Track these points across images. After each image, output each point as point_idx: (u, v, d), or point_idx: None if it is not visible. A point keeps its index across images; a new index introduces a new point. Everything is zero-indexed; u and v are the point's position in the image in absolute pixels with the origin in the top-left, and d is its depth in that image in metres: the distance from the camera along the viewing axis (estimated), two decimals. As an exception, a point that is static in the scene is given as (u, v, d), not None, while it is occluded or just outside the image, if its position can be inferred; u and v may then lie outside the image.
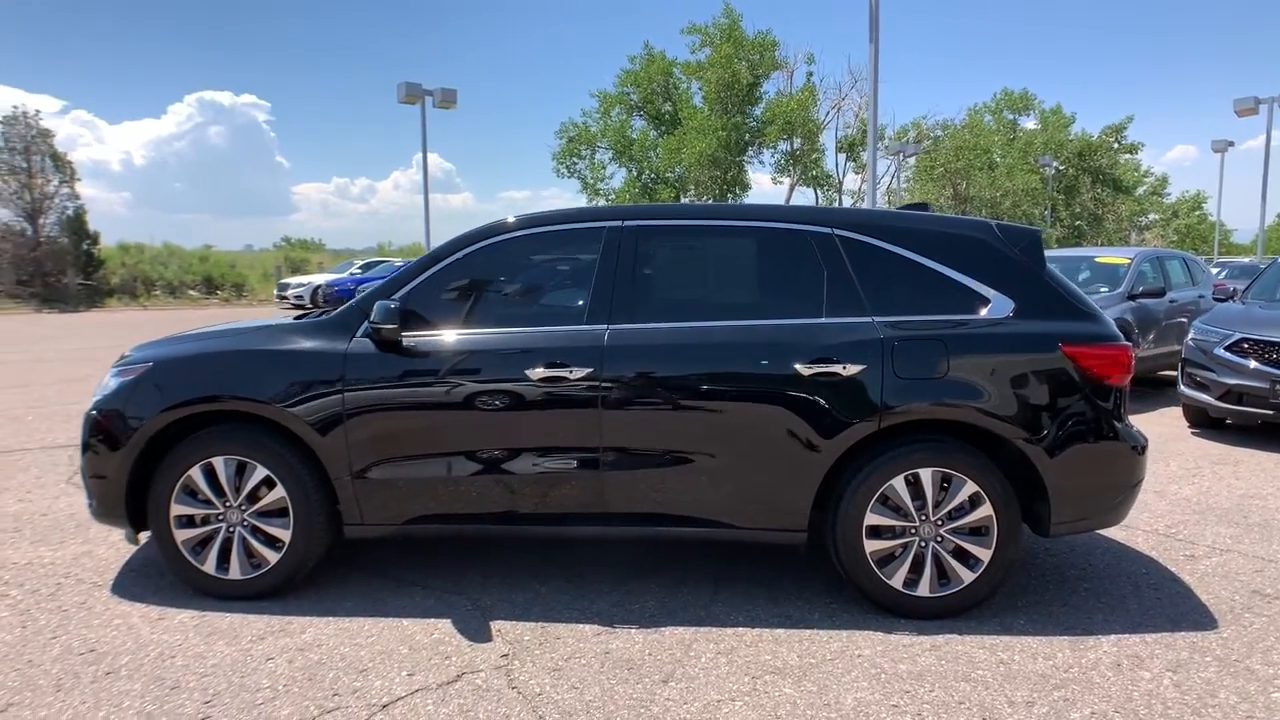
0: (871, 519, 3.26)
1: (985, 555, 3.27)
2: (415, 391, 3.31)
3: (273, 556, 3.35)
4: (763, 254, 3.50)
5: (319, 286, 22.99)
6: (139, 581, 3.54)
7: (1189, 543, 4.30)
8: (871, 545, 3.28)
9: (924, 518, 3.27)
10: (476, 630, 3.16)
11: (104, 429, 3.36)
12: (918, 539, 3.29)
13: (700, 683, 2.80)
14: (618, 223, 3.45)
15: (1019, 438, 3.24)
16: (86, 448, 3.39)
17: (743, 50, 34.29)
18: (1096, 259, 9.50)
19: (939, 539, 3.28)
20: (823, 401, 3.23)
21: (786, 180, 37.56)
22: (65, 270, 23.52)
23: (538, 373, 3.25)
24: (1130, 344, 3.42)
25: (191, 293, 27.16)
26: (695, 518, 3.34)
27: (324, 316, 3.54)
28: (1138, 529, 4.50)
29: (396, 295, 3.39)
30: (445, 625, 3.20)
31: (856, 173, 41.79)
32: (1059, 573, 3.86)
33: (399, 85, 25.37)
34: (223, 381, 3.33)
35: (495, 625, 3.21)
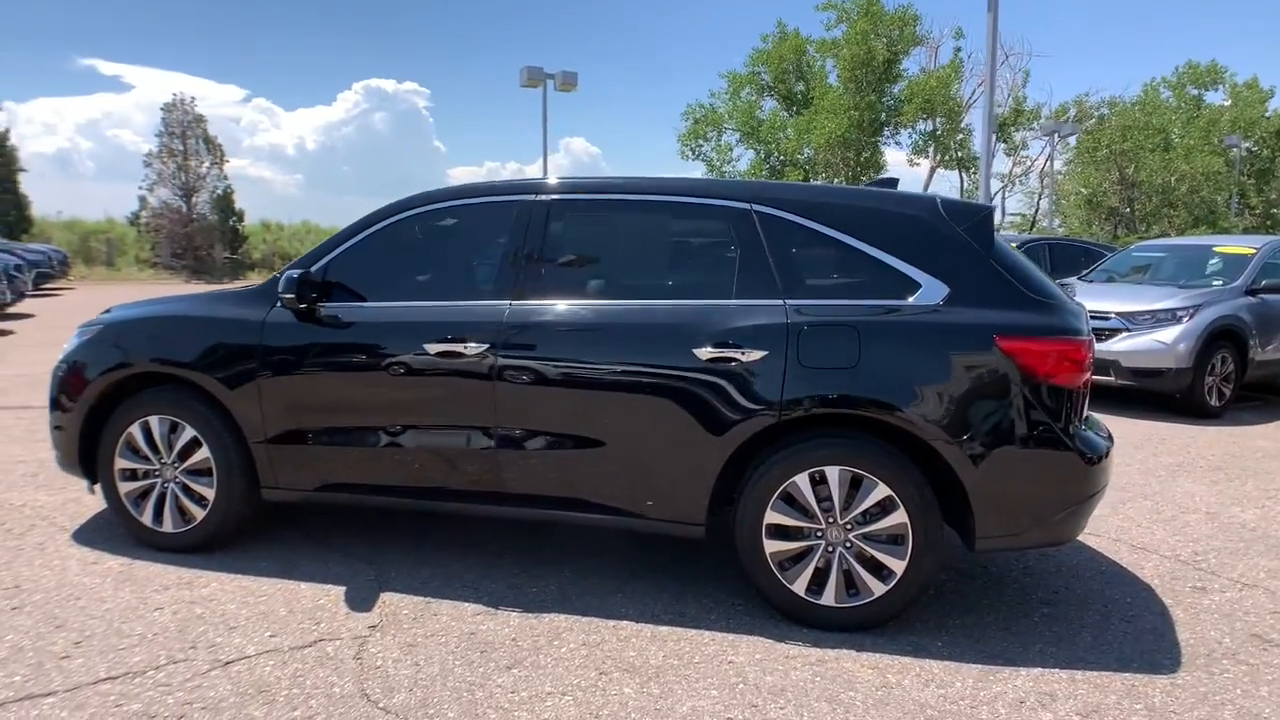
0: (773, 518, 3.05)
1: (898, 567, 2.98)
2: (324, 361, 3.39)
3: (199, 513, 3.55)
4: (676, 230, 3.34)
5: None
6: (102, 530, 3.84)
7: (1209, 573, 3.75)
8: (773, 546, 3.07)
9: (830, 520, 3.03)
10: (363, 599, 3.22)
11: (63, 385, 3.66)
12: (824, 543, 3.05)
13: (543, 672, 2.73)
14: (531, 196, 3.38)
15: (937, 439, 2.92)
16: (52, 401, 3.71)
17: (880, 26, 32.82)
18: (1216, 248, 8.43)
19: (847, 545, 3.03)
20: (720, 390, 3.04)
21: (924, 162, 35.75)
22: (214, 245, 26.17)
23: (435, 347, 3.24)
24: (1087, 339, 3.00)
25: None
26: (594, 503, 3.25)
27: (256, 286, 3.69)
28: (1156, 551, 3.98)
29: (316, 265, 3.48)
30: (337, 592, 3.28)
31: (1008, 154, 39.21)
32: (1023, 593, 3.48)
33: (521, 70, 26.08)
34: (153, 346, 3.54)
35: (384, 596, 3.26)
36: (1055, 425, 2.93)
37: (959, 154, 36.51)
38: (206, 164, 27.09)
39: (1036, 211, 39.34)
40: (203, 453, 3.51)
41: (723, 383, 3.04)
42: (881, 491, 2.96)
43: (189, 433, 3.51)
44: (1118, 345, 7.35)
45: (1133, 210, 36.56)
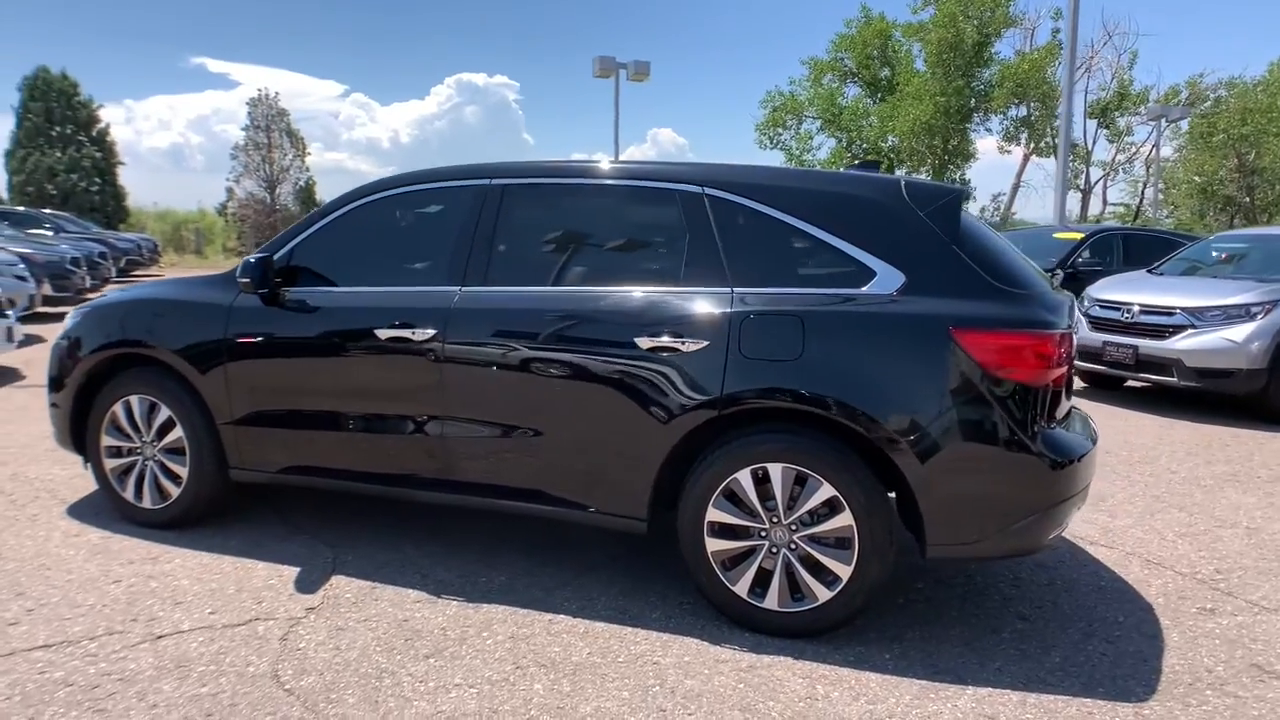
0: (715, 515, 2.93)
1: (844, 572, 2.83)
2: (284, 345, 3.45)
3: (175, 491, 3.68)
4: (627, 215, 3.24)
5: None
6: (95, 505, 4.02)
7: (1225, 594, 3.42)
8: (715, 545, 2.95)
9: (774, 520, 2.89)
10: (312, 581, 3.27)
11: (58, 364, 3.85)
12: (767, 543, 2.91)
13: (459, 663, 2.70)
14: (485, 181, 3.34)
15: (882, 437, 2.75)
16: (49, 380, 3.90)
17: (971, 8, 31.48)
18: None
19: (792, 546, 2.88)
20: (662, 380, 2.94)
21: (1016, 149, 34.19)
22: None
23: (386, 333, 3.25)
24: (1058, 333, 2.76)
25: None
26: (541, 494, 3.20)
27: (229, 270, 3.78)
28: (1171, 568, 3.66)
29: (281, 250, 3.54)
30: (290, 573, 3.34)
31: (1110, 140, 37.11)
32: (1003, 605, 3.25)
33: (594, 60, 26.18)
34: (132, 328, 3.68)
35: (335, 579, 3.30)
36: (1014, 425, 2.71)
37: (1055, 140, 34.74)
38: (290, 156, 28.37)
39: (1141, 201, 37.05)
40: (177, 432, 3.63)
41: (663, 374, 2.94)
42: (826, 491, 2.81)
43: (165, 413, 3.63)
44: (1181, 343, 6.82)
45: (1252, 200, 34.06)
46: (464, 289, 3.24)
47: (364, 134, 70.85)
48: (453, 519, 3.92)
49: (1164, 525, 4.25)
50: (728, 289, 2.95)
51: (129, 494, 3.75)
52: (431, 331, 3.20)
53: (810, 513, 2.85)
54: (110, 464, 3.77)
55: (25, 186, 25.88)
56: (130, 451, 3.74)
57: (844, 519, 2.80)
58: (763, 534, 2.91)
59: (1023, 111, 33.49)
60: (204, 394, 3.54)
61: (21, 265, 9.21)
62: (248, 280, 3.35)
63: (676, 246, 3.08)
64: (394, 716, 2.40)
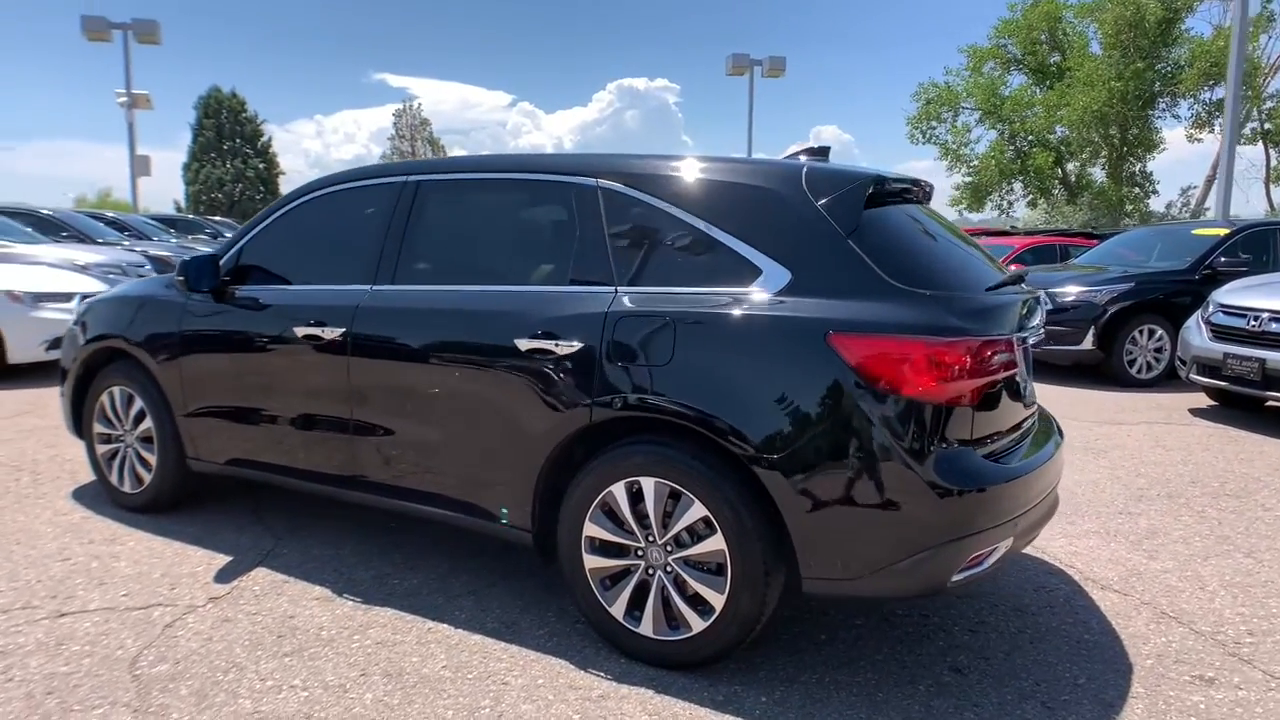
0: (592, 530, 2.76)
1: (717, 601, 2.57)
2: (223, 342, 3.59)
3: (147, 478, 3.92)
4: (525, 211, 3.11)
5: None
6: (98, 488, 4.34)
7: (1241, 661, 2.84)
8: (592, 562, 2.77)
9: (650, 539, 2.68)
10: (234, 571, 3.37)
11: (64, 354, 4.21)
12: (644, 564, 2.70)
13: (310, 665, 2.68)
14: (403, 178, 3.32)
15: (749, 453, 2.47)
16: (61, 370, 4.28)
17: (1155, -20, 28.50)
18: None
19: (667, 569, 2.66)
20: (538, 384, 2.80)
21: (1209, 135, 30.58)
22: None
23: (302, 330, 3.31)
24: (965, 340, 2.37)
25: None
26: (439, 497, 3.13)
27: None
28: (1186, 623, 3.08)
29: (231, 250, 3.69)
30: (221, 561, 3.46)
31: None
32: (943, 653, 2.85)
33: (727, 58, 25.95)
34: (112, 323, 3.96)
35: (257, 571, 3.38)
36: (898, 445, 2.35)
37: (1265, 125, 30.76)
38: None
39: (1374, 192, 32.11)
40: (148, 423, 3.87)
41: (540, 378, 2.79)
42: (699, 511, 2.56)
43: (138, 404, 3.88)
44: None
45: None
46: (374, 288, 3.24)
47: (529, 141, 74.03)
48: (403, 518, 3.93)
49: (1212, 573, 3.60)
50: (611, 288, 2.77)
51: (114, 478, 4.04)
52: (340, 331, 3.21)
53: (683, 533, 2.61)
54: (100, 449, 4.08)
55: (200, 196, 29.18)
56: (115, 439, 4.02)
57: (716, 542, 2.54)
58: (639, 553, 2.70)
59: (1220, 94, 29.89)
60: (163, 387, 3.75)
61: (148, 266, 10.28)
62: (182, 279, 3.52)
63: (569, 242, 2.93)
64: (213, 712, 2.42)
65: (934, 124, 34.85)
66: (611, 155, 2.97)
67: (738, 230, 2.64)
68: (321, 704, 2.47)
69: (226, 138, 29.91)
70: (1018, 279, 2.97)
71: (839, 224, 2.54)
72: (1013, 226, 26.25)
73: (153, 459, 3.88)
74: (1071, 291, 8.25)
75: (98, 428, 4.07)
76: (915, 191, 3.03)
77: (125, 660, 2.68)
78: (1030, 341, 2.99)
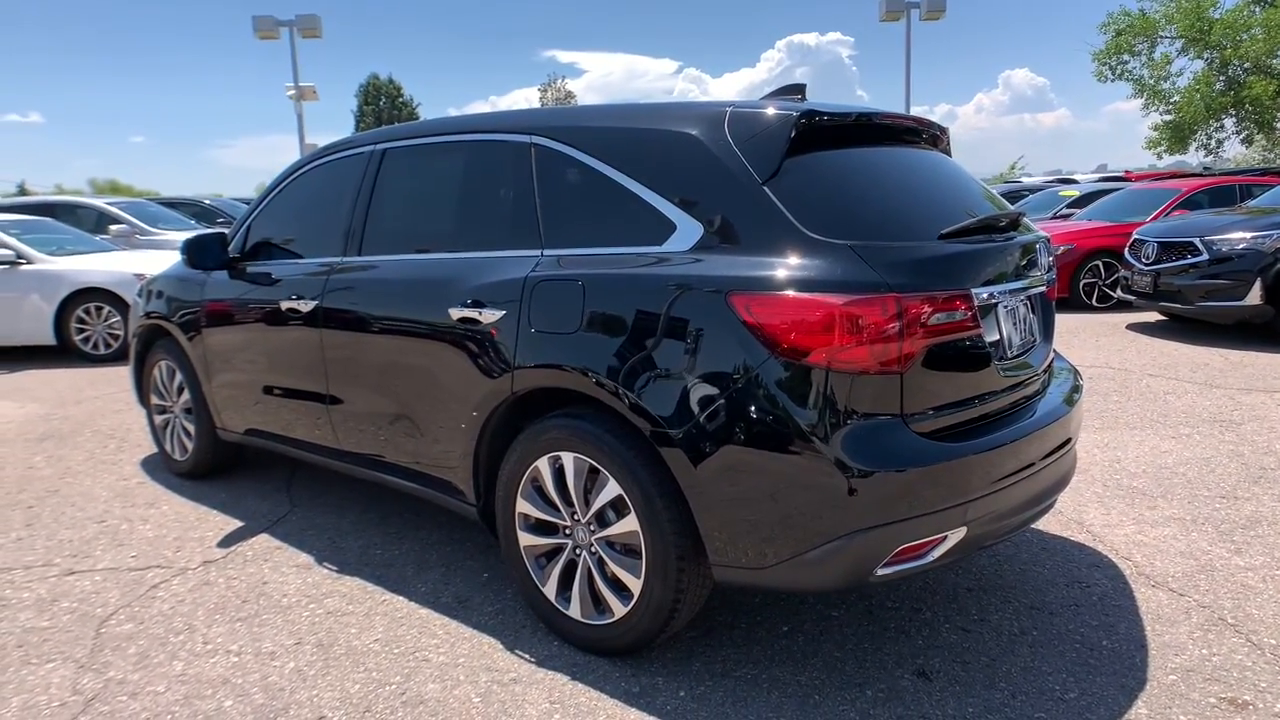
0: (523, 507, 2.66)
1: (634, 586, 2.40)
2: (232, 316, 3.76)
3: (189, 445, 4.23)
4: (469, 174, 2.98)
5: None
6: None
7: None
8: (526, 539, 2.68)
9: (575, 518, 2.54)
10: (238, 537, 3.56)
11: (130, 331, 4.60)
12: (571, 543, 2.58)
13: (254, 630, 2.76)
14: (370, 147, 3.31)
15: (650, 427, 2.26)
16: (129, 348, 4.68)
17: None
18: None
19: (591, 549, 2.52)
20: (469, 355, 2.72)
21: None
22: None
23: (286, 304, 3.40)
24: (881, 296, 2.04)
25: None
26: (401, 467, 3.14)
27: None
28: (1250, 633, 2.57)
29: (242, 226, 3.85)
30: (231, 527, 3.66)
31: None
32: (913, 655, 2.52)
33: (880, 1, 24.38)
34: (154, 300, 4.26)
35: (259, 537, 3.55)
36: (803, 420, 2.06)
37: None
38: None
39: None
40: (187, 394, 4.15)
41: (468, 347, 2.71)
42: (613, 490, 2.39)
43: (179, 376, 4.18)
44: None
45: None
46: (342, 260, 3.27)
47: None
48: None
49: (1314, 574, 2.98)
50: (538, 252, 2.63)
51: (168, 446, 4.39)
52: (313, 304, 3.28)
53: (604, 511, 2.45)
54: (157, 419, 4.44)
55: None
56: (166, 409, 4.36)
57: (631, 523, 2.37)
58: (566, 532, 2.58)
59: None
60: (192, 361, 4.00)
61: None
62: (183, 256, 3.71)
63: (503, 205, 2.80)
64: (146, 671, 2.55)
65: (1126, 57, 31.28)
66: (550, 110, 2.83)
67: (655, 183, 2.42)
68: (244, 669, 2.54)
69: (385, 122, 31.79)
70: (1003, 223, 2.53)
71: (756, 170, 2.25)
72: (1205, 168, 23.13)
73: (193, 428, 4.17)
74: (1234, 238, 7.12)
75: (154, 399, 4.43)
76: (902, 131, 2.67)
77: (98, 619, 2.88)
78: (1032, 293, 2.57)
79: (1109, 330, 8.11)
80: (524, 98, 77.87)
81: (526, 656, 2.58)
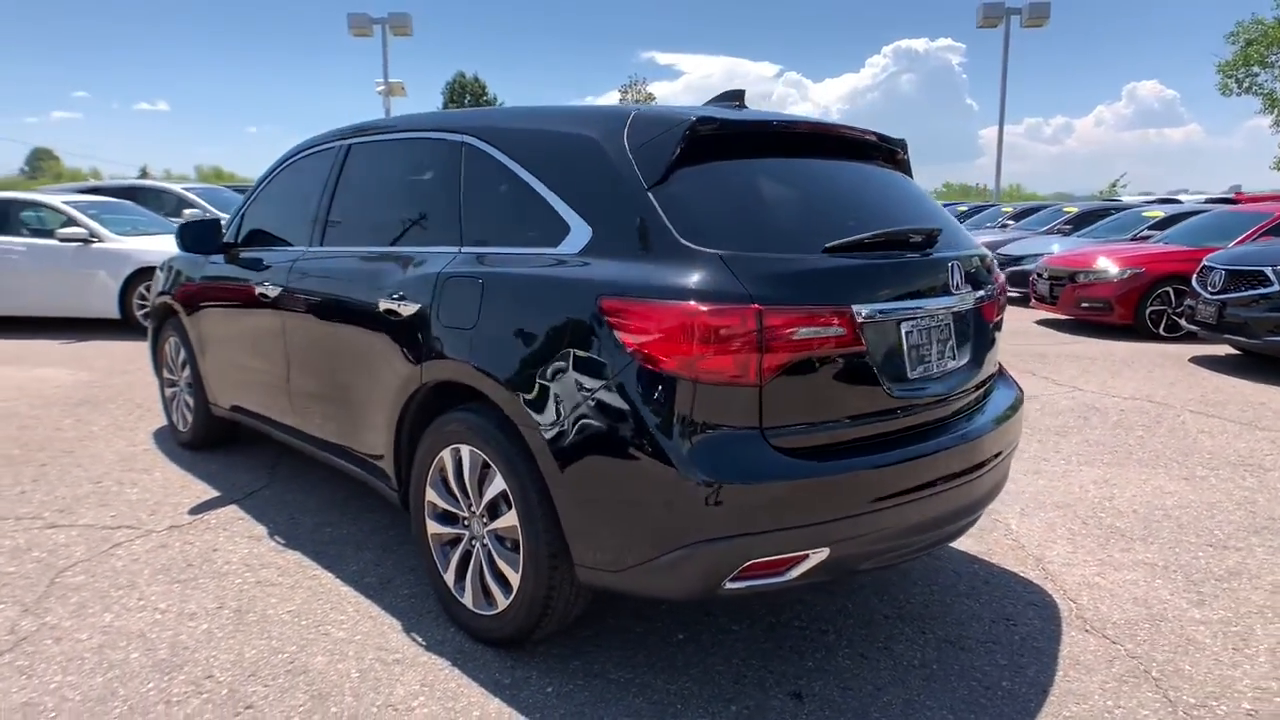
0: (431, 496, 2.76)
1: (514, 581, 2.48)
2: (216, 299, 4.02)
3: (189, 418, 4.52)
4: (413, 170, 3.10)
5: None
6: (187, 423, 5.07)
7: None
8: (433, 527, 2.78)
9: (471, 510, 2.63)
10: (210, 505, 3.79)
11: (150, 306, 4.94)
12: (468, 534, 2.67)
13: (187, 592, 2.95)
14: (339, 142, 3.48)
15: (525, 424, 2.33)
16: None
17: None
18: None
19: (484, 541, 2.60)
20: (390, 345, 2.84)
21: None
22: None
23: (258, 289, 3.61)
24: (739, 307, 2.04)
25: None
26: (346, 451, 3.29)
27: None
28: (1168, 685, 2.45)
29: (239, 213, 4.10)
30: (208, 496, 3.91)
31: None
32: (802, 675, 2.51)
33: (978, 8, 23.68)
34: (166, 281, 4.56)
35: (228, 508, 3.77)
36: (656, 426, 2.08)
37: None
38: None
39: None
40: (189, 370, 4.45)
41: (392, 338, 2.83)
42: (500, 485, 2.47)
43: (183, 353, 4.47)
44: None
45: None
46: (307, 249, 3.46)
47: (794, 112, 73.35)
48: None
49: (1274, 636, 2.80)
50: (456, 249, 2.73)
51: (174, 418, 4.70)
52: (278, 290, 3.47)
53: (493, 505, 2.53)
54: (166, 392, 4.76)
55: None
56: (172, 383, 4.67)
57: (512, 518, 2.44)
58: (465, 523, 2.67)
59: None
60: (190, 338, 4.29)
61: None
62: (178, 241, 3.97)
63: (439, 201, 2.91)
64: (79, 620, 2.76)
65: (1256, 70, 29.34)
66: (485, 110, 2.91)
67: (557, 185, 2.48)
68: (162, 626, 2.73)
69: (468, 120, 32.70)
70: (917, 238, 2.47)
71: (644, 175, 2.28)
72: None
73: (192, 402, 4.46)
74: (1307, 269, 6.64)
75: (165, 373, 4.75)
76: (833, 143, 2.66)
77: (58, 569, 3.14)
78: (960, 311, 2.52)
79: (1167, 362, 7.67)
80: (615, 100, 78.79)
81: (419, 640, 2.67)
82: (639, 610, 2.85)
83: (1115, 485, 4.23)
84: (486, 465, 2.52)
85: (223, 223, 4.12)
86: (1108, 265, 9.10)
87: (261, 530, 3.53)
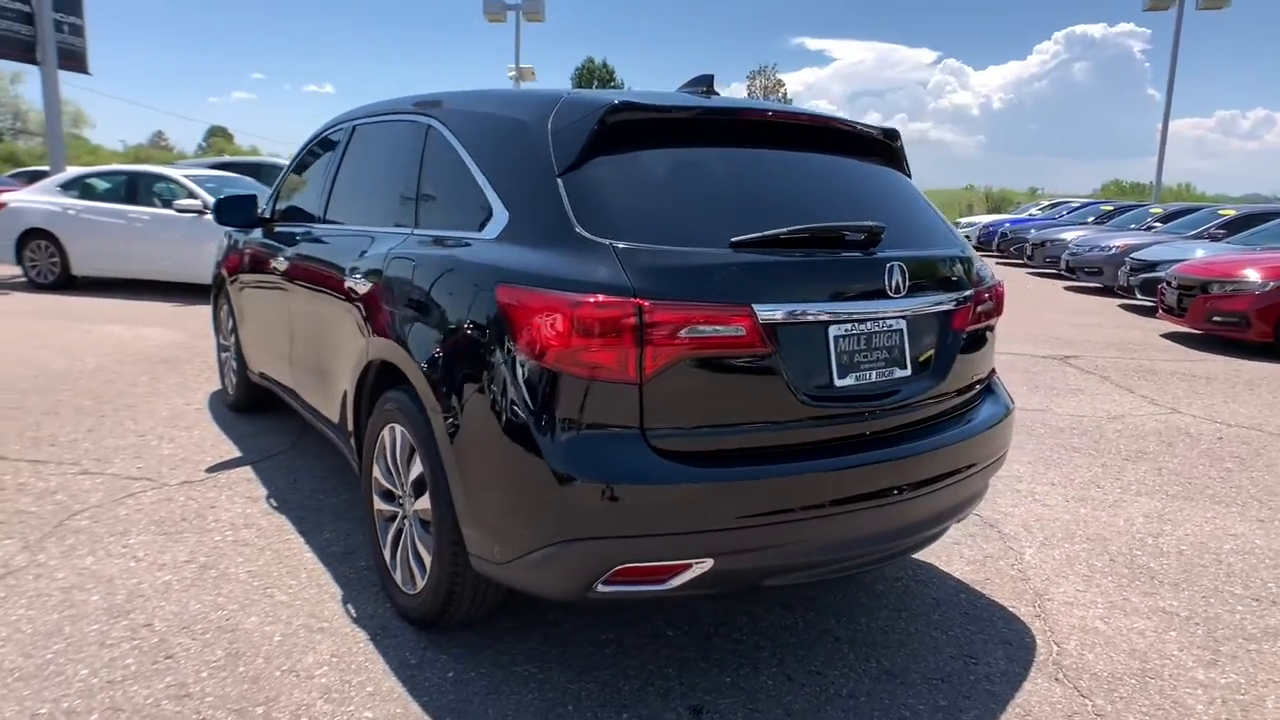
0: (376, 471, 2.83)
1: (428, 563, 2.51)
2: (252, 267, 4.25)
3: (234, 381, 4.83)
4: (393, 152, 3.14)
5: (989, 226, 22.30)
6: (246, 386, 5.41)
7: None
8: (377, 503, 2.85)
9: (403, 490, 2.68)
10: (227, 465, 4.04)
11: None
12: (401, 513, 2.72)
13: (165, 544, 3.16)
14: (350, 123, 3.60)
15: (431, 410, 2.34)
16: (221, 291, 5.38)
17: None
18: None
19: (411, 521, 2.65)
20: (350, 322, 2.94)
21: None
22: None
23: (272, 262, 3.81)
24: (619, 300, 1.96)
25: None
26: (328, 422, 3.42)
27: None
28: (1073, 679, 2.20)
29: (275, 188, 4.32)
30: (230, 456, 4.16)
31: None
32: (714, 689, 2.41)
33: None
34: (220, 254, 4.88)
35: (241, 469, 4.00)
36: (532, 418, 2.04)
37: None
38: None
39: None
40: (235, 337, 4.75)
41: (350, 317, 2.93)
42: (419, 466, 2.51)
43: (232, 320, 4.78)
44: None
45: None
46: (312, 226, 3.61)
47: (951, 102, 70.29)
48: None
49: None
50: (409, 230, 2.78)
51: (225, 381, 5.04)
52: (285, 265, 3.65)
53: (415, 485, 2.57)
54: (221, 356, 5.11)
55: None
56: (225, 348, 5.00)
57: (427, 500, 2.47)
58: (400, 501, 2.72)
59: None
60: (233, 307, 4.57)
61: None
62: (215, 215, 4.22)
63: (406, 182, 2.96)
64: (65, 559, 3.01)
65: None
66: (453, 93, 2.92)
67: (488, 169, 2.47)
68: (133, 573, 2.94)
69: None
70: (860, 237, 2.29)
71: (558, 161, 2.23)
72: None
73: (236, 366, 4.76)
74: None
75: (219, 338, 5.09)
76: (785, 131, 2.53)
77: (70, 513, 3.43)
78: (915, 317, 2.35)
79: (1307, 389, 6.82)
80: (762, 85, 77.64)
81: (351, 612, 2.75)
82: (578, 611, 2.82)
83: (1170, 521, 3.81)
84: (412, 446, 2.55)
85: (259, 198, 4.35)
86: (1248, 275, 8.19)
87: (262, 492, 3.73)
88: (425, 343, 2.40)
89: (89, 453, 4.15)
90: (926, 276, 2.44)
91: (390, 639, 2.59)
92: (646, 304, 1.96)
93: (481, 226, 2.41)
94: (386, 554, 2.77)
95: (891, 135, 2.79)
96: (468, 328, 2.25)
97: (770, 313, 2.07)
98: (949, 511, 2.51)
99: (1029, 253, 17.45)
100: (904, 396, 2.36)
